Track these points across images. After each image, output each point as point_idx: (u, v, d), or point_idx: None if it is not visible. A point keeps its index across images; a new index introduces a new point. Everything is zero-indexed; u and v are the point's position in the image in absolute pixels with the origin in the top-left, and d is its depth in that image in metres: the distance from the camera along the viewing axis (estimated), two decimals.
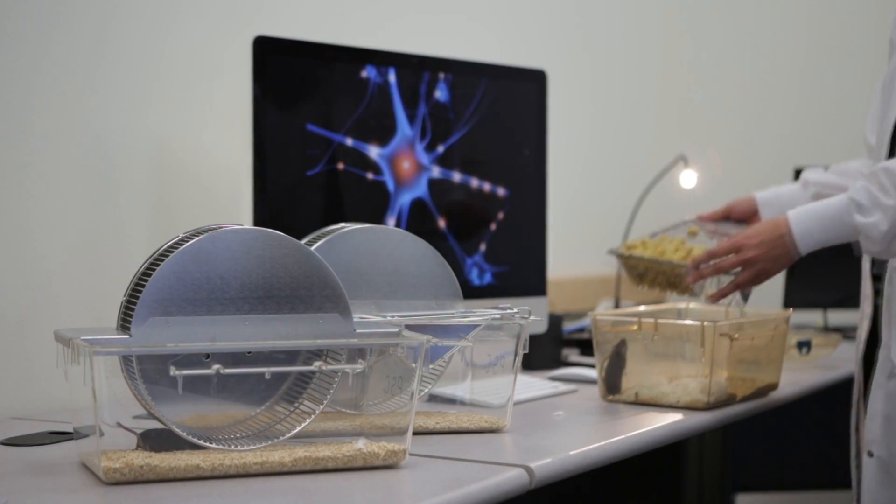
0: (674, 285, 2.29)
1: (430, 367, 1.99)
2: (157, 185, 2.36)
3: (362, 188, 2.30)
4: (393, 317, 1.86)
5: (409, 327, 1.77)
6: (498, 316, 1.93)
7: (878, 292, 2.25)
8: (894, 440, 2.13)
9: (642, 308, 2.53)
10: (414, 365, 1.68)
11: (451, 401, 2.05)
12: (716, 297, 2.21)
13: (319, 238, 1.90)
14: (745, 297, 2.26)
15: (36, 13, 2.14)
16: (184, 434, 1.61)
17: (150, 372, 1.59)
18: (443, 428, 1.93)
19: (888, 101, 2.25)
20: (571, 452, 1.82)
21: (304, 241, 1.90)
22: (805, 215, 2.11)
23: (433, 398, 2.03)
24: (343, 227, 1.92)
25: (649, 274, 2.32)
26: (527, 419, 2.03)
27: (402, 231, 1.97)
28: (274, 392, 1.70)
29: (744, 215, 2.44)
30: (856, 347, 2.35)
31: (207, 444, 1.61)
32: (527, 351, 1.95)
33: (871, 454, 2.16)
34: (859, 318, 2.36)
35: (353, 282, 1.88)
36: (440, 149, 2.42)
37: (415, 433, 1.88)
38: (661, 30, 3.99)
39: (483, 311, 1.95)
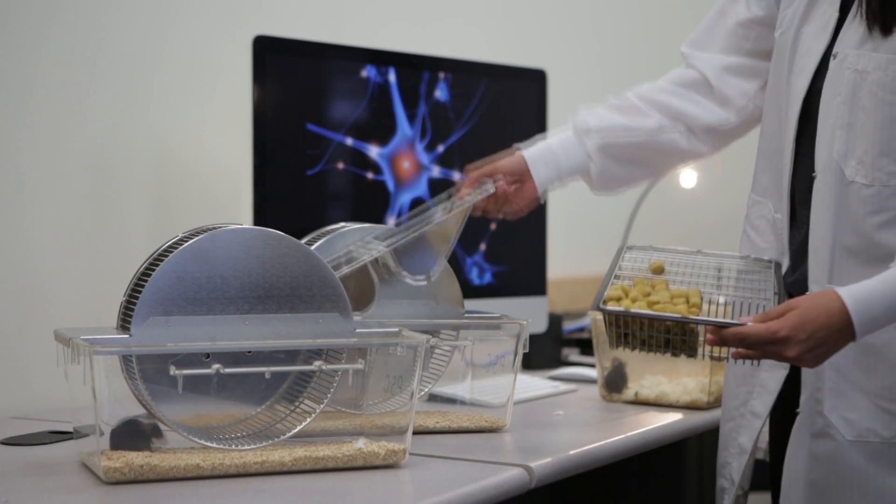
0: (671, 345, 1.76)
1: (430, 366, 1.99)
2: (157, 184, 2.35)
3: (362, 188, 2.30)
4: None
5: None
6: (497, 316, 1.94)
7: None
8: None
9: None
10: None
11: (451, 400, 2.05)
12: (738, 357, 1.69)
13: (319, 238, 1.90)
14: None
15: (35, 12, 2.14)
16: (184, 434, 1.61)
17: (150, 372, 1.59)
18: (443, 427, 1.93)
19: (789, 69, 1.86)
20: (571, 452, 1.82)
21: (303, 241, 1.90)
22: (867, 301, 1.61)
23: (433, 398, 2.03)
24: (343, 227, 1.92)
25: (642, 333, 1.76)
26: (527, 419, 2.03)
27: None
28: (274, 391, 1.70)
29: (512, 173, 1.98)
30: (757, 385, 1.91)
31: (208, 444, 1.61)
32: (527, 350, 1.95)
33: None
34: None
35: None
36: (440, 148, 2.41)
37: (415, 433, 1.88)
38: (662, 29, 3.99)
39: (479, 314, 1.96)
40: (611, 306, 1.74)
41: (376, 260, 1.87)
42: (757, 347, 1.64)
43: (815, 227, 1.78)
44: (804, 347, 1.61)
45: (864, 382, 1.76)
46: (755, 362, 1.75)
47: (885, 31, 1.73)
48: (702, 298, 1.78)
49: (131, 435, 1.59)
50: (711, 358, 1.76)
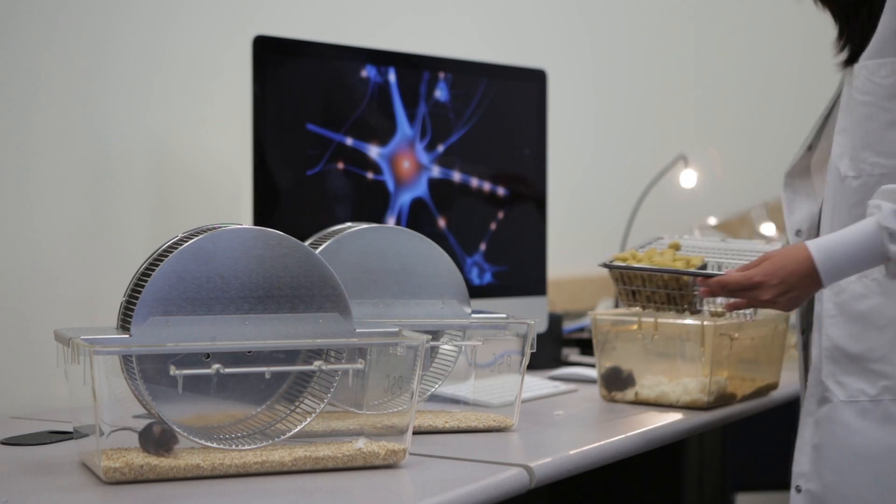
0: (673, 301, 2.06)
1: (436, 366, 2.00)
2: (157, 184, 2.35)
3: (362, 188, 2.30)
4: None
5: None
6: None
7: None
8: (827, 471, 1.94)
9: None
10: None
11: (453, 400, 2.05)
12: (731, 308, 1.96)
13: (327, 238, 1.90)
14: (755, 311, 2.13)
15: (37, 13, 2.14)
16: (184, 434, 1.61)
17: (150, 372, 1.59)
18: (452, 427, 1.93)
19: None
20: (571, 452, 1.82)
21: (310, 241, 1.91)
22: (831, 250, 1.84)
23: (435, 398, 2.03)
24: (350, 227, 1.92)
25: (646, 289, 2.07)
26: (527, 419, 2.03)
27: (409, 231, 1.97)
28: (274, 391, 1.70)
29: None
30: (799, 369, 2.12)
31: (208, 444, 1.61)
32: (534, 350, 1.95)
33: (798, 489, 1.99)
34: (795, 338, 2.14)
35: (360, 281, 1.89)
36: (440, 148, 2.42)
37: (424, 432, 1.89)
38: (662, 29, 3.99)
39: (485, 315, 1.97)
40: (617, 262, 2.06)
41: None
42: (737, 294, 1.90)
43: (823, 220, 1.99)
44: (777, 291, 1.86)
45: (853, 348, 1.94)
46: (749, 315, 2.07)
47: (852, 60, 1.98)
48: (705, 264, 2.06)
49: (150, 440, 1.59)
50: (711, 314, 2.08)
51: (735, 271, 1.91)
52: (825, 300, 1.95)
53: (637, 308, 2.13)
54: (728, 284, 1.89)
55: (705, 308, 2.06)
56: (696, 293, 2.03)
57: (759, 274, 1.87)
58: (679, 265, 2.04)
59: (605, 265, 2.07)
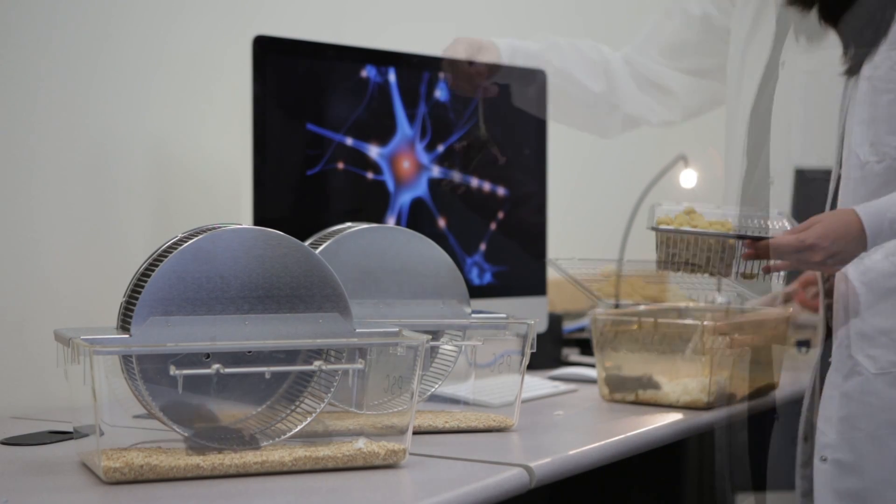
0: (711, 264, 2.11)
1: (436, 366, 2.00)
2: (157, 185, 2.35)
3: (362, 188, 2.30)
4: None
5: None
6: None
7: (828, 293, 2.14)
8: (861, 441, 2.00)
9: (642, 308, 2.53)
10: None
11: (452, 400, 2.05)
12: (768, 270, 2.03)
13: (327, 238, 1.90)
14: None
15: (37, 13, 2.14)
16: (184, 433, 1.61)
17: (150, 372, 1.59)
18: (452, 427, 1.93)
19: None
20: (571, 452, 1.82)
21: (310, 241, 1.91)
22: (877, 214, 1.94)
23: (435, 398, 2.03)
24: (350, 227, 1.92)
25: (687, 252, 2.12)
26: (527, 419, 2.03)
27: (410, 231, 1.97)
28: (274, 391, 1.70)
29: None
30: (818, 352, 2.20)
31: (208, 444, 1.61)
32: (534, 350, 1.95)
33: (823, 459, 2.03)
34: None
35: (360, 281, 1.89)
36: (440, 148, 2.42)
37: (424, 432, 1.89)
38: None
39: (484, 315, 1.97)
40: (665, 226, 2.13)
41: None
42: (788, 257, 1.96)
43: (842, 205, 2.05)
44: (827, 253, 1.93)
45: (883, 324, 2.01)
46: (781, 278, 2.09)
47: (855, 70, 2.09)
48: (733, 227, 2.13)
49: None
50: (743, 276, 2.10)
51: (785, 234, 1.97)
52: (851, 280, 2.01)
53: (669, 272, 2.20)
54: (779, 247, 1.95)
55: (738, 271, 2.11)
56: (736, 257, 2.10)
57: (812, 236, 1.93)
58: (716, 229, 2.12)
59: (654, 229, 2.15)
